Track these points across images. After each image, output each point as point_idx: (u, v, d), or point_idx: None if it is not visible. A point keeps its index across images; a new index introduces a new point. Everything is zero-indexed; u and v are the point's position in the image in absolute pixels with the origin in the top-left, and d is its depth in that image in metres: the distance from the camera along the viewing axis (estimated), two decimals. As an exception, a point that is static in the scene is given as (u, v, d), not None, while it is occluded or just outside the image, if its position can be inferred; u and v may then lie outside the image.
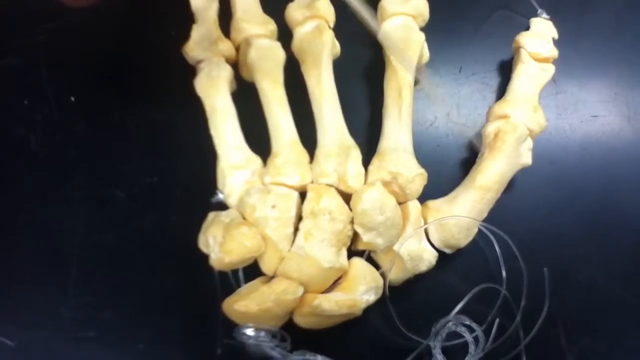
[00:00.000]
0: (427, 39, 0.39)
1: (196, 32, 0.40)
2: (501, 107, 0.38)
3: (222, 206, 0.35)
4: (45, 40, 0.43)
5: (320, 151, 0.36)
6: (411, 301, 0.36)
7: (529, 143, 0.37)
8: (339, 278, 0.34)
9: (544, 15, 0.42)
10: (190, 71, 0.39)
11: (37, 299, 0.36)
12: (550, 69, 0.39)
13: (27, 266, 0.37)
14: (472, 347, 0.33)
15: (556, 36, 0.41)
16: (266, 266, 0.33)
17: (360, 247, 0.35)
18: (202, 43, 0.39)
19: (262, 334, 0.31)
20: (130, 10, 0.44)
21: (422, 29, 0.40)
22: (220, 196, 0.36)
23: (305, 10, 0.39)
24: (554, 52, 0.40)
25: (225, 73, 0.38)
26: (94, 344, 0.35)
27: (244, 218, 0.34)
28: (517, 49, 0.40)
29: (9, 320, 0.35)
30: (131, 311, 0.36)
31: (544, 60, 0.40)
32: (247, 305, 0.31)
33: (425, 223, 0.35)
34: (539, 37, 0.40)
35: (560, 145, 0.41)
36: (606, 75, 0.44)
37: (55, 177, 0.39)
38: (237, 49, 0.40)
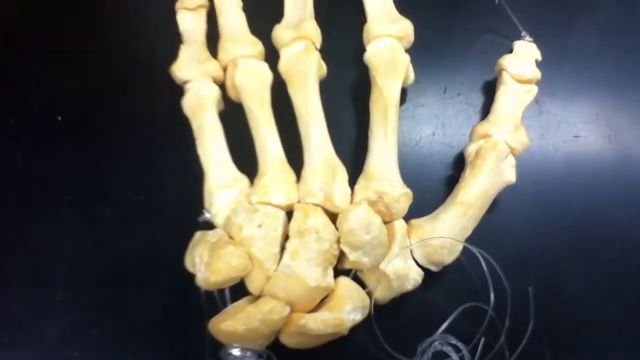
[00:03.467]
0: (413, 60, 0.40)
1: (184, 52, 0.40)
2: (483, 127, 0.38)
3: (209, 225, 0.35)
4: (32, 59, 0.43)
5: (306, 171, 0.36)
6: (397, 320, 0.36)
7: (512, 160, 0.37)
8: (326, 297, 0.34)
9: (528, 37, 0.43)
10: (178, 91, 0.40)
11: (23, 318, 0.36)
12: (533, 89, 0.40)
13: (13, 285, 0.37)
14: (457, 367, 0.33)
15: (539, 58, 0.42)
16: (252, 285, 0.33)
17: (347, 266, 0.35)
18: (190, 63, 0.40)
19: (249, 354, 0.31)
20: (118, 29, 0.45)
21: (408, 51, 0.40)
22: (207, 215, 0.36)
23: (293, 31, 0.40)
24: (536, 74, 0.40)
25: (213, 93, 0.39)
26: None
27: (230, 237, 0.34)
28: (500, 71, 0.41)
29: (-6, 340, 0.35)
30: (117, 331, 0.36)
31: (527, 81, 0.40)
32: (234, 325, 0.31)
33: (409, 241, 0.36)
34: (522, 59, 0.41)
35: (543, 165, 0.42)
36: (588, 96, 0.44)
37: (42, 195, 0.39)
38: (225, 69, 0.40)
